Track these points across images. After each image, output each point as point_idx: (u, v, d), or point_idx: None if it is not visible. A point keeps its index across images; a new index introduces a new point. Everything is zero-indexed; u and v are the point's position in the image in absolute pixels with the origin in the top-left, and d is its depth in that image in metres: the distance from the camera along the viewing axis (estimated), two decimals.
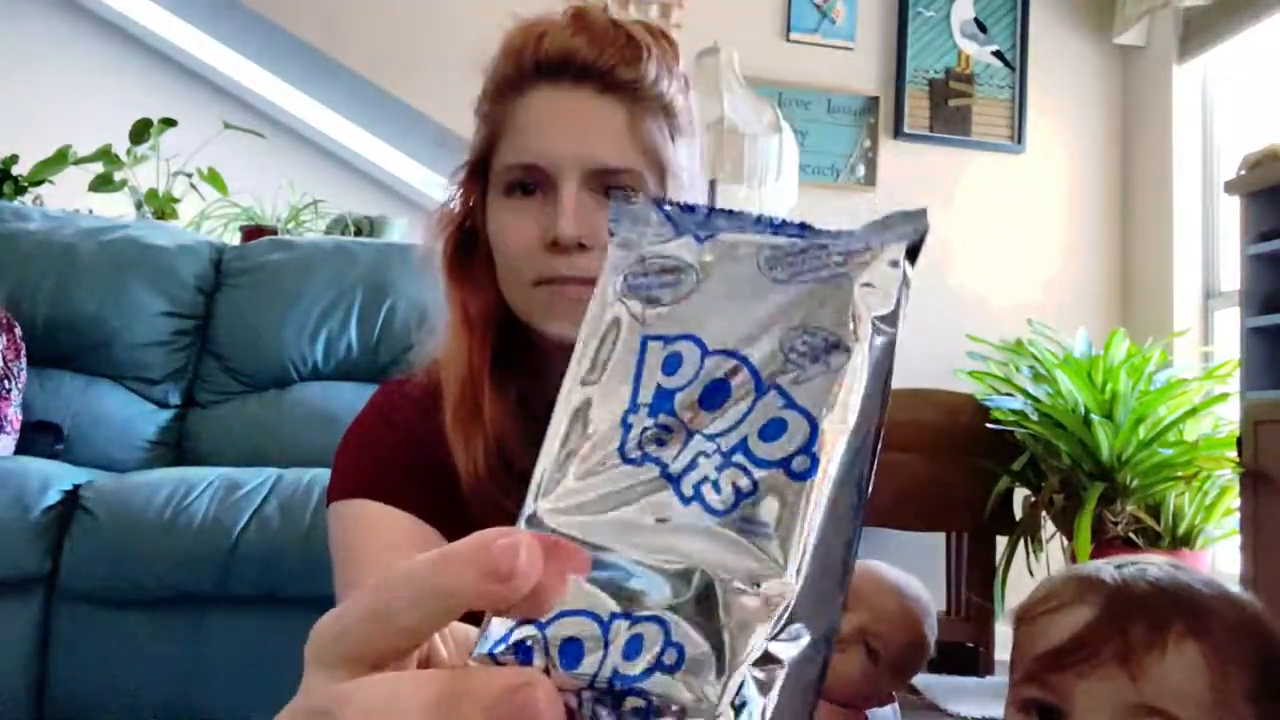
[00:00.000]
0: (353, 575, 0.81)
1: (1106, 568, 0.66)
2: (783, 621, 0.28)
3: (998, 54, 3.42)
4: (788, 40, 3.31)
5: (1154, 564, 0.67)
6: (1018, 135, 3.41)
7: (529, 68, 0.81)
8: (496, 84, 0.84)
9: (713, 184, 2.64)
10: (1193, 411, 2.53)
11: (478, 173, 0.85)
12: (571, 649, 0.28)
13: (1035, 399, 2.72)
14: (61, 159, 2.77)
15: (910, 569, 0.93)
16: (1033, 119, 3.43)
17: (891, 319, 0.31)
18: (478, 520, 0.76)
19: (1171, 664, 0.60)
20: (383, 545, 0.81)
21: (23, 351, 2.04)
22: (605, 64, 0.80)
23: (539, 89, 0.81)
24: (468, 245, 0.86)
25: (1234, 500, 2.42)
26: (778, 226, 0.33)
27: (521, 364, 0.86)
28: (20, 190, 2.76)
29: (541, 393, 0.83)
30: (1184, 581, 0.64)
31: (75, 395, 2.13)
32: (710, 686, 0.27)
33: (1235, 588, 0.69)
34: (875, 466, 0.31)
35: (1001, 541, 2.79)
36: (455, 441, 0.82)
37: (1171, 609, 0.62)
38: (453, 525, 0.80)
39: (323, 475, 1.70)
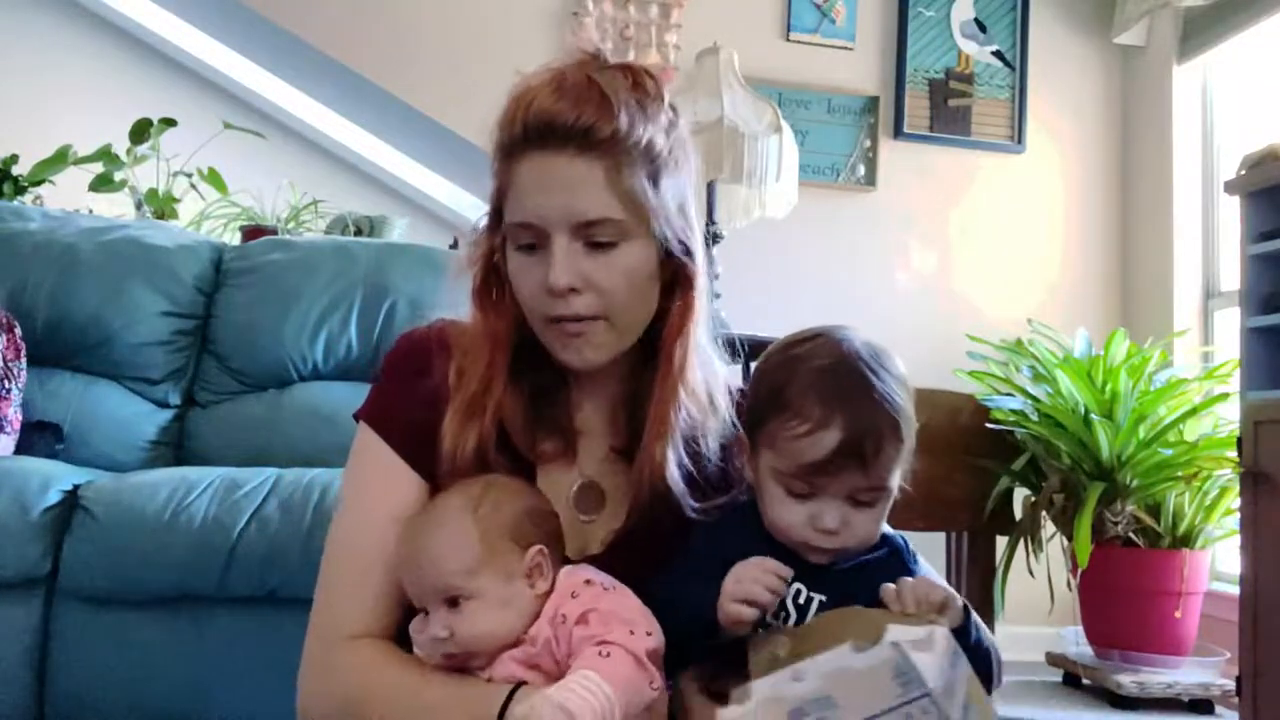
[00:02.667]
0: (353, 495, 1.02)
1: (827, 383, 0.89)
2: None
3: (998, 54, 3.42)
4: (788, 40, 3.31)
5: (855, 369, 0.90)
6: (1018, 135, 3.41)
7: (519, 134, 0.93)
8: (500, 147, 0.96)
9: (712, 184, 2.64)
10: (1193, 411, 2.53)
11: (497, 220, 0.99)
12: None
13: (1035, 399, 2.72)
14: (61, 159, 2.77)
15: None
16: (1033, 119, 3.43)
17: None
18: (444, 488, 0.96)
19: (884, 460, 0.89)
20: (382, 486, 0.99)
21: (23, 351, 2.04)
22: (583, 125, 0.90)
23: (530, 154, 0.92)
24: (493, 277, 1.00)
25: (1234, 500, 2.42)
26: None
27: (539, 367, 1.00)
28: (20, 190, 2.76)
29: (554, 390, 1.01)
30: (885, 392, 0.89)
31: (75, 395, 2.13)
32: None
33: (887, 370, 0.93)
34: None
35: (1001, 541, 2.79)
36: (451, 426, 0.96)
37: (886, 424, 0.88)
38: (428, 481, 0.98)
39: (323, 475, 1.70)
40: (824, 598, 0.89)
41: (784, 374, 0.91)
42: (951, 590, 0.85)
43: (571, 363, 0.96)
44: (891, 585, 0.85)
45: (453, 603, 0.86)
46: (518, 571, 0.88)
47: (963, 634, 0.84)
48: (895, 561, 0.94)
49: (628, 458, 1.00)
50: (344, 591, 0.97)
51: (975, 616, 0.88)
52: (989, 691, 0.87)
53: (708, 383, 1.00)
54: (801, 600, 0.89)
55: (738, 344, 1.09)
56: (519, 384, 0.99)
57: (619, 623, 0.84)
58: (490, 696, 0.84)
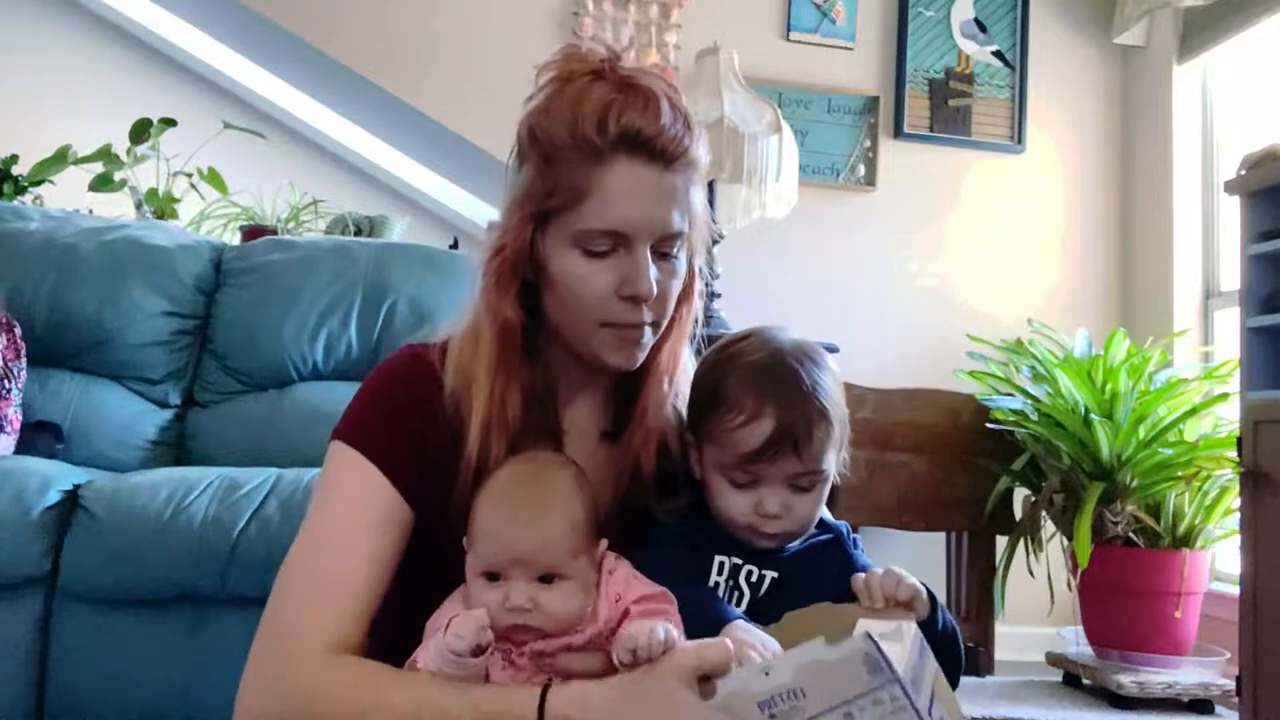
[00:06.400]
0: (324, 509, 0.97)
1: (758, 377, 0.96)
2: None
3: (998, 54, 3.42)
4: (788, 40, 3.31)
5: (784, 363, 0.96)
6: (1018, 135, 3.41)
7: (613, 139, 0.93)
8: (580, 148, 0.94)
9: (712, 184, 2.64)
10: (1193, 411, 2.53)
11: (538, 214, 0.96)
12: None
13: (1035, 399, 2.72)
14: (61, 159, 2.77)
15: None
16: (1033, 119, 3.43)
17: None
18: (460, 521, 0.89)
19: (816, 445, 0.94)
20: (358, 499, 0.96)
21: (23, 351, 2.04)
22: (674, 150, 0.95)
23: (619, 162, 0.93)
24: (523, 269, 0.98)
25: (1234, 500, 2.42)
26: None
27: (533, 367, 1.01)
28: (20, 190, 2.76)
29: (546, 392, 1.02)
30: (812, 383, 0.95)
31: (75, 395, 2.13)
32: None
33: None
34: None
35: (1001, 541, 2.79)
36: (477, 438, 0.96)
37: (814, 412, 0.94)
38: (433, 510, 0.97)
39: None
40: (776, 574, 0.96)
41: (719, 373, 0.99)
42: (918, 583, 0.90)
43: (620, 365, 0.99)
44: (862, 576, 0.91)
45: (544, 578, 0.88)
46: (595, 562, 0.92)
47: (930, 623, 0.90)
48: (837, 544, 1.01)
49: (613, 442, 1.05)
50: (313, 606, 0.91)
51: (940, 602, 0.93)
52: (957, 674, 0.92)
53: (687, 375, 1.08)
54: (754, 579, 0.96)
55: None
56: (519, 387, 1.00)
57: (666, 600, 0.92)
58: (527, 701, 0.82)
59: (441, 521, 0.96)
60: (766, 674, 0.79)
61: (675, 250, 0.98)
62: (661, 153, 0.94)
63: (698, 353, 1.14)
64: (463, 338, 1.02)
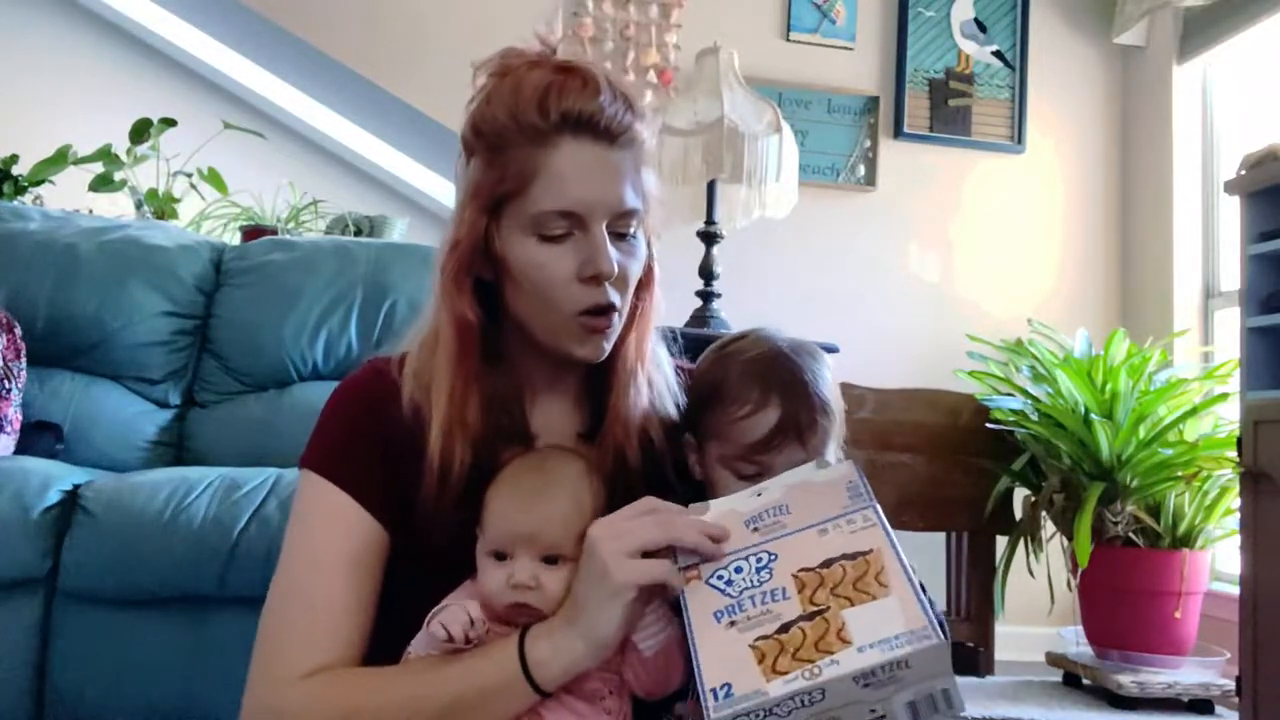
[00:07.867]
0: (299, 540, 0.97)
1: (761, 370, 0.98)
2: None
3: (998, 54, 3.42)
4: (788, 40, 3.31)
5: (783, 355, 0.99)
6: (1018, 135, 3.41)
7: (556, 121, 0.92)
8: (524, 132, 0.93)
9: (712, 184, 2.64)
10: (1193, 411, 2.53)
11: (490, 205, 0.95)
12: None
13: (1035, 399, 2.72)
14: (61, 159, 2.76)
15: None
16: (1033, 119, 3.43)
17: None
18: (426, 527, 0.90)
19: (819, 435, 0.97)
20: (333, 528, 0.95)
21: (23, 351, 2.04)
22: (617, 127, 0.94)
23: (565, 142, 0.93)
24: (478, 264, 0.97)
25: (1234, 500, 2.42)
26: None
27: (494, 371, 0.99)
28: (20, 190, 2.76)
29: (511, 397, 1.00)
30: (813, 375, 0.98)
31: (75, 395, 2.13)
32: None
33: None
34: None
35: (1001, 541, 2.79)
36: (438, 445, 0.94)
37: (816, 402, 0.97)
38: (406, 519, 0.95)
39: None
40: None
41: (721, 370, 1.01)
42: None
43: (587, 357, 0.98)
44: None
45: (549, 560, 0.90)
46: None
47: None
48: None
49: (590, 442, 1.03)
50: (297, 633, 0.92)
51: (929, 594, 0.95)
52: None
53: (662, 370, 1.07)
54: None
55: None
56: (478, 392, 0.98)
57: None
58: (506, 647, 0.86)
59: (414, 527, 0.95)
60: (758, 495, 0.88)
61: (632, 230, 0.97)
62: (605, 130, 0.94)
63: (687, 353, 1.12)
64: (421, 342, 1.00)
